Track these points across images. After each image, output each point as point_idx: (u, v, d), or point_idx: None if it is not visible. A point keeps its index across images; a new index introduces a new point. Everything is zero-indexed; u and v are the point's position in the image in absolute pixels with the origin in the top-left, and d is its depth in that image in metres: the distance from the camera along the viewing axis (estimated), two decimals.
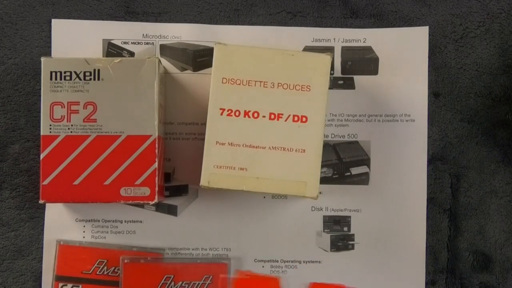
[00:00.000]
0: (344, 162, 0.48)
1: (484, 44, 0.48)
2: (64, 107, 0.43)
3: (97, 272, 0.47)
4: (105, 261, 0.47)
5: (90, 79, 0.43)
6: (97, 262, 0.47)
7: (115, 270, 0.47)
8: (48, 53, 0.48)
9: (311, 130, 0.42)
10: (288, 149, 0.42)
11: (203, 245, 0.48)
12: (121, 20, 0.48)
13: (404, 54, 0.48)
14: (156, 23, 0.48)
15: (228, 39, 0.48)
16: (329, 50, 0.48)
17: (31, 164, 0.48)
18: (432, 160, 0.48)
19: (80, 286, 0.47)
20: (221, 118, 0.41)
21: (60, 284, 0.46)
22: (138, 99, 0.43)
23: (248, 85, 0.42)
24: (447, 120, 0.48)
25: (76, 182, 0.43)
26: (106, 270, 0.47)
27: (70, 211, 0.48)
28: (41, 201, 0.43)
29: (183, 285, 0.47)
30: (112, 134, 0.43)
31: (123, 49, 0.48)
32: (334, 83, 0.48)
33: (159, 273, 0.47)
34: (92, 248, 0.47)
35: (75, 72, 0.43)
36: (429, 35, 0.48)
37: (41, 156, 0.43)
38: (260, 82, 0.42)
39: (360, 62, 0.48)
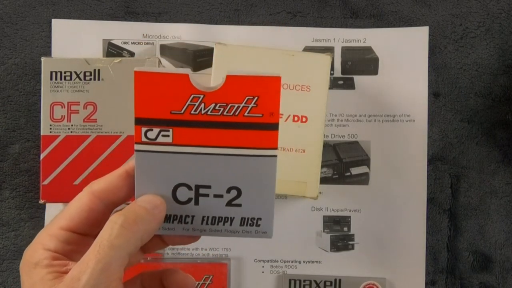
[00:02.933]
0: (344, 162, 0.48)
1: (484, 44, 0.48)
2: (64, 107, 0.43)
3: None
4: None
5: (90, 79, 0.43)
6: None
7: None
8: (48, 53, 0.48)
9: (311, 130, 0.42)
10: (288, 149, 0.42)
11: (203, 245, 0.48)
12: (121, 20, 0.48)
13: (404, 54, 0.48)
14: (156, 23, 0.48)
15: (228, 39, 0.48)
16: (329, 50, 0.48)
17: (31, 164, 0.48)
18: (432, 160, 0.48)
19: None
20: None
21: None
22: None
23: None
24: (447, 120, 0.48)
25: (76, 182, 0.43)
26: None
27: None
28: (41, 201, 0.43)
29: None
30: (112, 134, 0.43)
31: (123, 49, 0.48)
32: (334, 83, 0.48)
33: None
34: None
35: (75, 72, 0.43)
36: (429, 35, 0.48)
37: (41, 156, 0.43)
38: None
39: (360, 62, 0.48)
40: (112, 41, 0.48)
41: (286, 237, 0.48)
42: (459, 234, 0.48)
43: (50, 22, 0.48)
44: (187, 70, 0.29)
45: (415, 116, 0.48)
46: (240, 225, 0.31)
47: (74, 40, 0.48)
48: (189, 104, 0.29)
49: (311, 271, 0.48)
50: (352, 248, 0.48)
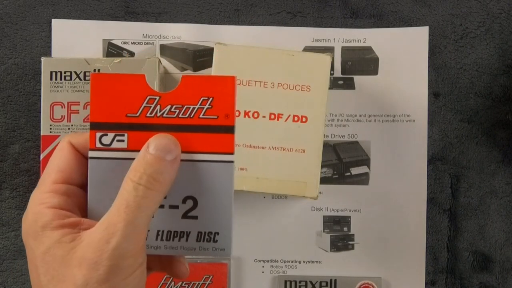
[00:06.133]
0: (344, 162, 0.48)
1: (484, 44, 0.48)
2: (64, 107, 0.43)
3: None
4: None
5: None
6: None
7: None
8: (48, 53, 0.48)
9: (311, 130, 0.42)
10: (288, 149, 0.42)
11: None
12: (121, 20, 0.48)
13: (404, 54, 0.48)
14: (156, 23, 0.48)
15: (228, 39, 0.48)
16: (329, 50, 0.48)
17: (31, 164, 0.48)
18: (432, 160, 0.48)
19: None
20: None
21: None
22: None
23: (248, 85, 0.42)
24: (447, 120, 0.48)
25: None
26: None
27: None
28: None
29: (183, 285, 0.47)
30: None
31: (123, 49, 0.48)
32: (334, 83, 0.48)
33: (159, 273, 0.47)
34: None
35: (75, 72, 0.43)
36: (429, 35, 0.48)
37: (41, 156, 0.43)
38: (260, 82, 0.42)
39: (360, 62, 0.48)
40: (112, 41, 0.48)
41: (286, 237, 0.48)
42: (459, 234, 0.48)
43: (50, 22, 0.48)
44: (141, 73, 0.29)
45: (415, 116, 0.48)
46: (197, 240, 0.29)
47: (74, 40, 0.48)
48: (145, 106, 0.29)
49: (311, 271, 0.48)
50: (352, 248, 0.48)
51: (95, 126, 0.29)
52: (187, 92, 0.29)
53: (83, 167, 0.29)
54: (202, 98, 0.28)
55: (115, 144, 0.29)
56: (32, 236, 0.27)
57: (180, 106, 0.29)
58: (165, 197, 0.29)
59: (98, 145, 0.29)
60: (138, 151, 0.28)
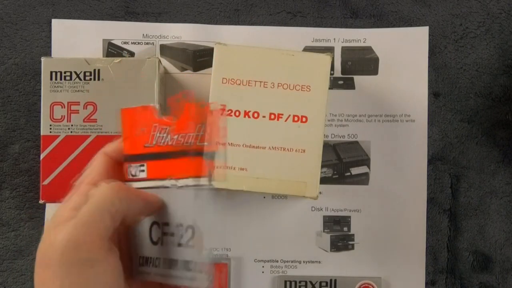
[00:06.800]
0: (344, 162, 0.48)
1: (484, 44, 0.48)
2: (64, 107, 0.43)
3: None
4: None
5: (90, 79, 0.43)
6: None
7: None
8: (48, 53, 0.48)
9: (311, 130, 0.42)
10: (288, 149, 0.42)
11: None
12: (121, 20, 0.48)
13: (404, 54, 0.48)
14: (156, 23, 0.48)
15: (228, 39, 0.48)
16: (329, 50, 0.48)
17: (31, 164, 0.48)
18: (432, 160, 0.48)
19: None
20: None
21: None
22: (138, 99, 0.43)
23: (248, 85, 0.42)
24: (447, 120, 0.48)
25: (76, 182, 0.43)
26: None
27: None
28: (41, 201, 0.43)
29: None
30: (112, 134, 0.43)
31: (123, 49, 0.48)
32: (334, 83, 0.48)
33: None
34: None
35: (75, 72, 0.43)
36: (429, 35, 0.48)
37: (41, 156, 0.43)
38: (260, 82, 0.42)
39: (360, 62, 0.48)
40: (112, 41, 0.48)
41: (286, 237, 0.48)
42: (459, 234, 0.48)
43: (50, 22, 0.48)
44: (153, 104, 0.30)
45: (415, 116, 0.48)
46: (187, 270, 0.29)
47: (74, 40, 0.48)
48: (158, 136, 0.30)
49: (311, 271, 0.48)
50: (352, 248, 0.48)
51: (127, 159, 0.31)
52: (188, 120, 0.30)
53: (117, 176, 0.31)
54: (197, 126, 0.29)
55: (139, 174, 0.30)
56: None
57: (184, 134, 0.30)
58: (167, 224, 0.29)
59: (129, 176, 0.31)
60: (156, 179, 0.30)
